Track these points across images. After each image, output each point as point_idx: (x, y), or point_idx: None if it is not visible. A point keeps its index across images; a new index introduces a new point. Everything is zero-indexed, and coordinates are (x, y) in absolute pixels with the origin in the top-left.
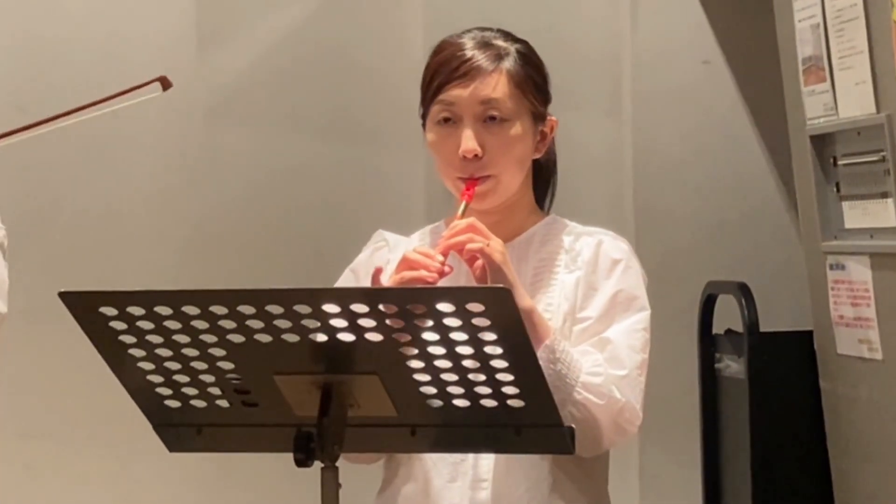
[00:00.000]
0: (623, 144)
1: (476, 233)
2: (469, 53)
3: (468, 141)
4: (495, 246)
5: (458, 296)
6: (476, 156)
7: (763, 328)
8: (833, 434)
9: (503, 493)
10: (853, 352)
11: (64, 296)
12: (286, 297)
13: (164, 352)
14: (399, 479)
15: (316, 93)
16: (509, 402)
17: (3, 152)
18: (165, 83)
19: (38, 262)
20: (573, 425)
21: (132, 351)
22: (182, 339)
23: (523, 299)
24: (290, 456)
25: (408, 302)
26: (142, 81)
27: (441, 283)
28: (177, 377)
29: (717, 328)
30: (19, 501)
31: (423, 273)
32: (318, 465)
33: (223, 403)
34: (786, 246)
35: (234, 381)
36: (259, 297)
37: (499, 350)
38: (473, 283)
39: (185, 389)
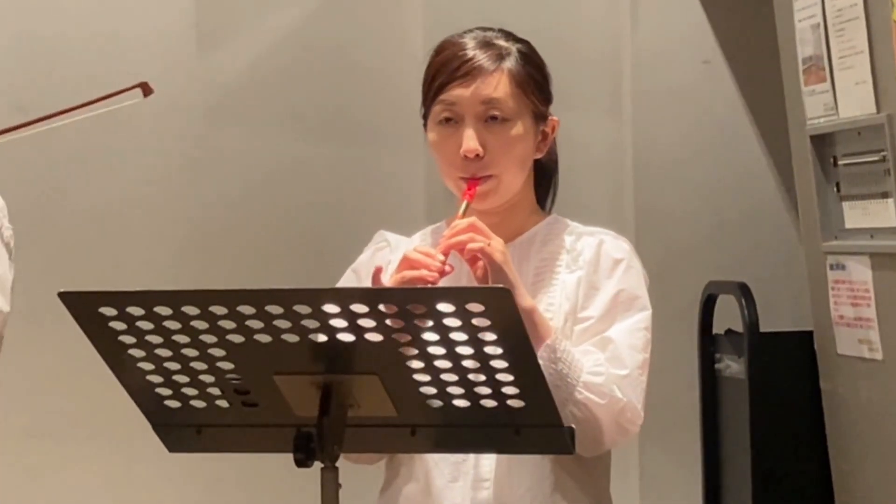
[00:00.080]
0: (623, 144)
1: (477, 232)
2: (470, 53)
3: (469, 141)
4: (496, 245)
5: (458, 296)
6: (477, 155)
7: (763, 328)
8: (833, 434)
9: (505, 492)
10: (853, 352)
11: (63, 296)
12: (286, 297)
13: (164, 352)
14: (400, 478)
15: (316, 93)
16: (509, 402)
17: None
18: (146, 90)
19: (38, 262)
20: (574, 425)
21: (132, 351)
22: (182, 339)
23: (524, 299)
24: (290, 456)
25: (408, 302)
26: (143, 81)
27: (442, 283)
28: (177, 377)
29: (718, 328)
30: (20, 501)
31: (423, 272)
32: (318, 465)
33: (223, 403)
34: (786, 246)
35: (234, 382)
36: (259, 297)
37: (499, 350)
38: (474, 283)
39: (184, 390)
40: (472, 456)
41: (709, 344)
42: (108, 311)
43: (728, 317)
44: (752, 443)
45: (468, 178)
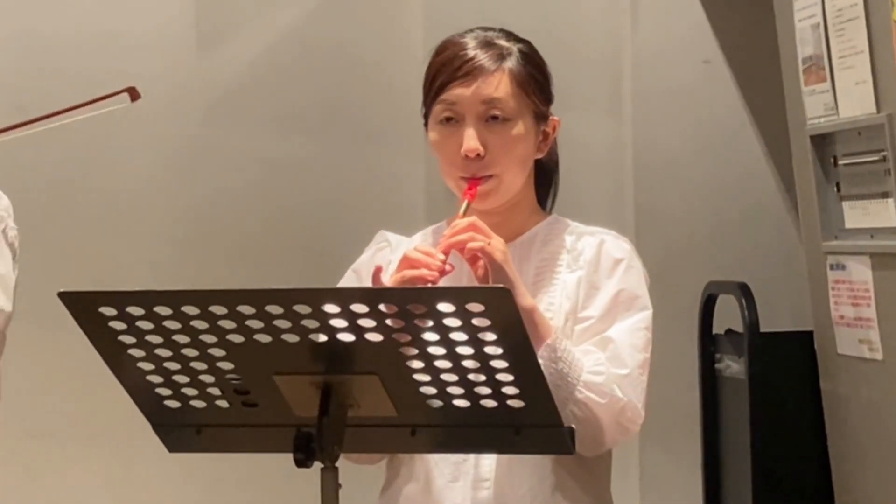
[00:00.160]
0: (623, 144)
1: (477, 231)
2: (471, 53)
3: (470, 140)
4: (496, 245)
5: (457, 296)
6: (478, 155)
7: (763, 328)
8: (833, 434)
9: (505, 492)
10: (853, 352)
11: (63, 296)
12: (286, 297)
13: (164, 352)
14: (401, 478)
15: (316, 92)
16: (509, 402)
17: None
18: (134, 94)
19: (38, 262)
20: (574, 425)
21: (132, 351)
22: (182, 339)
23: (524, 298)
24: (290, 456)
25: (408, 302)
26: (131, 85)
27: (442, 283)
28: (176, 377)
29: (718, 328)
30: (20, 502)
31: (423, 272)
32: (318, 465)
33: (223, 404)
34: (786, 246)
35: (234, 382)
36: (259, 297)
37: (499, 350)
38: (474, 283)
39: (184, 390)
40: (472, 456)
41: (709, 344)
42: (108, 311)
43: (728, 317)
44: (752, 443)
45: (469, 177)
